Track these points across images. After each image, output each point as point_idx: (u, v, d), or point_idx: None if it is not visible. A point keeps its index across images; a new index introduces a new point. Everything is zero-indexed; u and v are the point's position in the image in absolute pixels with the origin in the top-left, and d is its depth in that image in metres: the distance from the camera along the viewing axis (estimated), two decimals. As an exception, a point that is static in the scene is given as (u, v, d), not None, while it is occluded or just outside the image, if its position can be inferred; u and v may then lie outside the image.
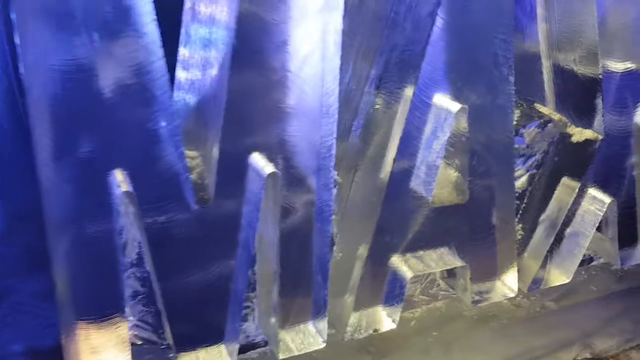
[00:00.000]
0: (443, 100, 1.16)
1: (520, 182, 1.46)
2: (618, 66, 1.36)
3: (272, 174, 1.00)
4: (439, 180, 1.24)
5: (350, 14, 1.13)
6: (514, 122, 1.41)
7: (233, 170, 1.01)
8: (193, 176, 1.00)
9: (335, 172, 1.23)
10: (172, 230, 1.00)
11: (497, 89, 1.20)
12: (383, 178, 1.18)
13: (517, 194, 1.46)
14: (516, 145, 1.42)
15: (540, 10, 1.36)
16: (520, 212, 1.48)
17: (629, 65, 1.34)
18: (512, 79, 1.19)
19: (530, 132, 1.42)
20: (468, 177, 1.23)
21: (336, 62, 1.00)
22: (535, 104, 1.48)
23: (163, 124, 0.91)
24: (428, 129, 1.19)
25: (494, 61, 1.18)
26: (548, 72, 1.42)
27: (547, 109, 1.46)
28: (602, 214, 1.43)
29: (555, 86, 1.42)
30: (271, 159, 1.03)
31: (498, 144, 1.25)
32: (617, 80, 1.38)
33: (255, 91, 0.98)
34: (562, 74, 1.38)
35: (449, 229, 1.29)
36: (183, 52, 1.01)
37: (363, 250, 1.23)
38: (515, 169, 1.44)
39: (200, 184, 1.00)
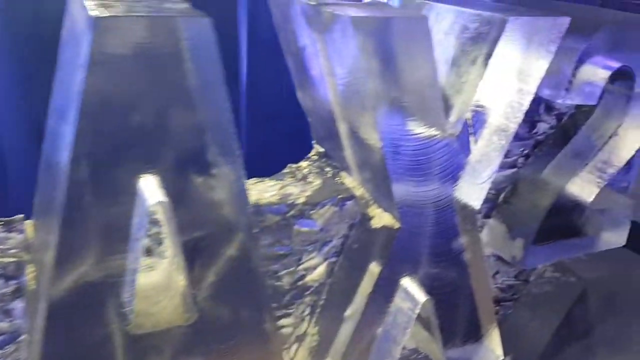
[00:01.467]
0: (148, 187, 0.87)
1: (317, 274, 1.16)
2: (423, 133, 1.06)
3: None
4: (171, 290, 0.94)
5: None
6: (303, 200, 1.13)
7: None
8: None
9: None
10: None
11: (226, 165, 0.91)
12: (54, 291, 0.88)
13: (313, 288, 1.17)
14: (306, 229, 1.13)
15: (322, 61, 1.08)
16: (319, 310, 1.18)
17: (433, 132, 1.05)
18: (241, 160, 0.90)
19: (323, 212, 1.12)
20: (198, 287, 0.93)
21: None
22: (341, 173, 1.19)
23: None
24: (134, 224, 0.89)
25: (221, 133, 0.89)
26: (345, 137, 1.13)
27: (351, 181, 1.17)
28: (414, 315, 1.13)
29: (354, 154, 1.13)
30: None
31: (239, 236, 0.95)
32: (428, 151, 1.08)
33: None
34: (356, 141, 1.09)
35: (194, 345, 0.99)
36: None
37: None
38: (310, 257, 1.15)
39: None
